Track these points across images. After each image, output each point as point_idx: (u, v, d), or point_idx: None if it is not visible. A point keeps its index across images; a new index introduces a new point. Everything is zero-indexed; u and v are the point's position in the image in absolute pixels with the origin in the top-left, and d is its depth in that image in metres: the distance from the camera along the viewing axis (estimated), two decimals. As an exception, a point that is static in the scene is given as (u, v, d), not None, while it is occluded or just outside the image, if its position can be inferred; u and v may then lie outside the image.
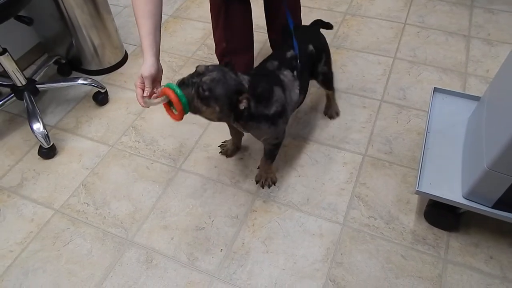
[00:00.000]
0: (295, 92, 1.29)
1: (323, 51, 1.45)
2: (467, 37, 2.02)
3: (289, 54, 1.31)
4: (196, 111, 1.07)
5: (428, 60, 1.90)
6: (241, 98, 1.08)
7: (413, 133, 1.58)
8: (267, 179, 1.43)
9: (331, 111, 1.66)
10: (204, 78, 1.03)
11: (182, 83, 1.04)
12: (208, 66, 1.08)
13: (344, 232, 1.31)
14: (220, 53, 1.53)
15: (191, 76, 1.06)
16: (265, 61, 1.33)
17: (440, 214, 1.25)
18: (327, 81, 1.54)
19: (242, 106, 1.08)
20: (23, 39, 1.97)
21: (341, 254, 1.26)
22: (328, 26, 1.57)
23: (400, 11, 2.21)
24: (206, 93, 1.03)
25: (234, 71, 1.12)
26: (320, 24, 1.55)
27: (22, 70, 1.66)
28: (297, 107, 1.40)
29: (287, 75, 1.27)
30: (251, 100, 1.10)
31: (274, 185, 1.44)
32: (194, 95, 1.03)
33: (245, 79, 1.13)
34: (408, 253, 1.25)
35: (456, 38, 2.01)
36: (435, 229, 1.30)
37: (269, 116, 1.20)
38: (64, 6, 1.73)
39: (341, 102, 1.72)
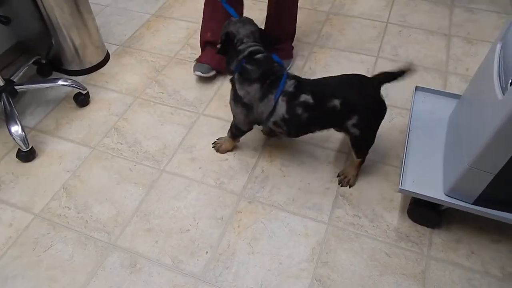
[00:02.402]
0: (269, 104, 1.26)
1: (354, 111, 1.21)
2: (447, 35, 2.05)
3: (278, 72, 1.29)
4: None
5: (410, 59, 1.93)
6: (221, 35, 1.30)
7: (395, 132, 1.60)
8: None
9: (345, 179, 1.43)
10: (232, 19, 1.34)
11: None
12: (246, 17, 1.35)
13: (329, 231, 1.31)
14: (203, 42, 1.74)
15: None
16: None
17: (423, 212, 1.27)
18: (355, 146, 1.32)
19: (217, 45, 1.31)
20: (0, 38, 1.92)
21: (327, 253, 1.26)
22: (396, 75, 1.28)
23: (382, 10, 2.24)
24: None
25: (254, 31, 1.31)
26: (382, 79, 1.26)
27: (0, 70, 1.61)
28: (283, 135, 1.39)
29: (268, 88, 1.26)
30: (223, 46, 1.29)
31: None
32: None
33: (248, 43, 1.29)
34: (392, 251, 1.26)
35: (437, 37, 2.05)
36: (418, 226, 1.31)
37: (234, 87, 1.32)
38: (44, 6, 1.69)
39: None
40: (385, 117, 1.62)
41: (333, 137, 1.59)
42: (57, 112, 1.76)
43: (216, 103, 1.75)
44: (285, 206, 1.39)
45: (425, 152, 1.29)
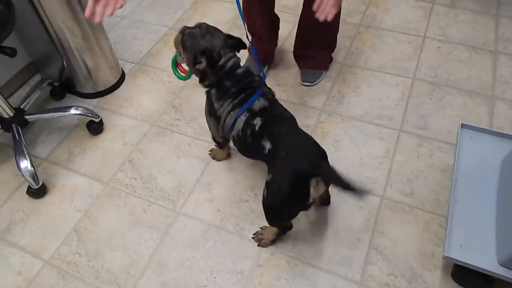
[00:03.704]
0: (232, 118, 1.18)
1: (272, 170, 1.10)
2: (493, 52, 1.84)
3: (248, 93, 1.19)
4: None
5: (451, 81, 1.73)
6: (200, 58, 1.17)
7: (436, 171, 1.43)
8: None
9: (260, 236, 1.30)
10: (189, 30, 1.21)
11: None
12: (203, 23, 1.22)
13: (360, 292, 1.18)
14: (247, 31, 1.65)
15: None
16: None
17: (470, 277, 1.11)
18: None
19: (199, 66, 1.18)
20: (10, 60, 1.84)
21: (358, 320, 1.13)
22: (342, 185, 0.98)
23: (419, 22, 2.03)
24: (185, 42, 1.20)
25: (221, 38, 1.20)
26: (321, 173, 1.01)
27: (11, 94, 1.53)
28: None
29: (238, 103, 1.18)
30: (208, 69, 1.17)
31: None
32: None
33: (227, 55, 1.18)
34: (434, 320, 1.12)
35: (481, 54, 1.84)
36: (463, 290, 1.16)
37: (211, 100, 1.23)
38: (54, 29, 1.58)
39: (355, 131, 1.57)
40: (424, 152, 1.49)
41: (363, 175, 1.44)
42: (70, 140, 1.67)
43: (236, 132, 1.62)
44: (311, 259, 1.25)
45: (474, 208, 1.13)
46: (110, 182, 1.51)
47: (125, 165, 1.56)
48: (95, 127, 1.66)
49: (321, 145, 1.10)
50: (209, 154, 1.55)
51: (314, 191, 1.02)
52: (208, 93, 1.25)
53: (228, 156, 1.53)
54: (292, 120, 1.19)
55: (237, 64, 1.21)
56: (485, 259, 1.03)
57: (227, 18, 2.17)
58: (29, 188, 1.46)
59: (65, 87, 1.85)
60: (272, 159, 1.09)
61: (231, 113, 1.18)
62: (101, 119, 1.66)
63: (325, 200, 1.35)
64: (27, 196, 1.48)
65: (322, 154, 1.08)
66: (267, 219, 1.19)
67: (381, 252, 1.26)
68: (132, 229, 1.37)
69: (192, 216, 1.39)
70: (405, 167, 1.45)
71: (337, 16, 1.59)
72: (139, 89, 1.84)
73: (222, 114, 1.21)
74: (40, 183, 1.45)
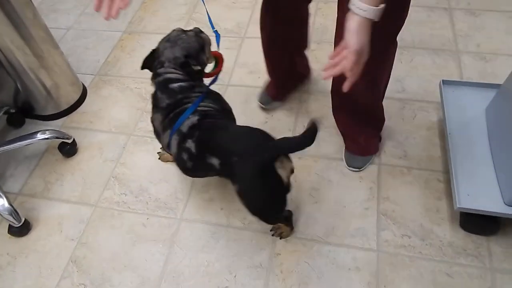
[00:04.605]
0: (166, 139, 1.13)
1: (234, 180, 1.04)
2: (448, 9, 1.91)
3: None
4: None
5: (416, 42, 1.79)
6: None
7: (422, 129, 1.47)
8: None
9: (278, 230, 1.26)
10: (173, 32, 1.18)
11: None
12: (196, 28, 1.20)
13: (381, 259, 1.20)
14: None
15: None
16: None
17: (478, 222, 1.16)
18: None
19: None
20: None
21: (385, 286, 1.14)
22: (302, 144, 0.98)
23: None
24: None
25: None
26: (281, 149, 1.00)
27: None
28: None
29: (169, 122, 1.12)
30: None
31: None
32: None
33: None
34: (453, 270, 1.15)
35: (438, 12, 1.91)
36: (473, 236, 1.21)
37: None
38: (1, 51, 1.44)
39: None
40: (408, 114, 1.53)
41: (357, 147, 1.45)
42: (42, 168, 1.54)
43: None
44: (326, 238, 1.25)
45: (471, 157, 1.18)
46: (99, 203, 1.41)
47: (110, 183, 1.46)
48: (68, 149, 1.54)
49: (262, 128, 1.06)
50: (158, 153, 1.49)
51: (283, 171, 0.99)
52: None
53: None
54: (227, 120, 1.15)
55: (176, 79, 1.11)
56: (492, 203, 1.08)
57: (181, 13, 2.09)
58: (10, 227, 1.34)
59: (23, 112, 1.70)
60: (228, 170, 1.03)
61: (165, 133, 1.12)
62: (73, 139, 1.54)
63: None
64: (9, 236, 1.35)
65: (266, 135, 1.04)
66: (265, 222, 1.17)
67: (390, 216, 1.28)
68: (136, 247, 1.29)
69: (195, 220, 1.33)
70: (393, 132, 1.48)
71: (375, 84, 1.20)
72: (106, 101, 1.73)
73: (157, 127, 1.17)
74: (23, 220, 1.33)
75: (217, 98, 1.19)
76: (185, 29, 1.19)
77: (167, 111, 1.11)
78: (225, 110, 1.20)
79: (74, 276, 1.25)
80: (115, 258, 1.28)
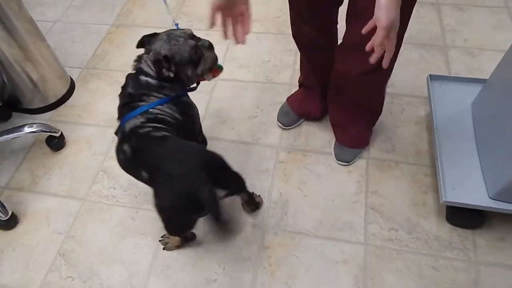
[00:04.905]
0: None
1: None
2: (435, 4, 1.93)
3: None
4: None
5: (404, 37, 1.79)
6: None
7: (410, 124, 1.49)
8: None
9: (166, 239, 1.26)
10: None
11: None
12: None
13: (368, 252, 1.21)
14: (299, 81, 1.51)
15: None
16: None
17: (464, 215, 1.18)
18: None
19: None
20: None
21: (372, 279, 1.16)
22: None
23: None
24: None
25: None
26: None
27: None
28: None
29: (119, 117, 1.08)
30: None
31: None
32: None
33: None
34: (439, 263, 1.17)
35: (425, 7, 1.92)
36: (459, 229, 1.23)
37: None
38: (-14, 43, 1.42)
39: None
40: (396, 109, 1.54)
41: (346, 141, 1.46)
42: (29, 162, 1.52)
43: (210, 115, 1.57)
44: (315, 231, 1.26)
45: (457, 151, 1.20)
46: (87, 197, 1.40)
47: (99, 176, 1.45)
48: (56, 143, 1.52)
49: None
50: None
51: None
52: None
53: None
54: (178, 131, 1.04)
55: (144, 72, 1.06)
56: (478, 197, 1.10)
57: (170, 7, 2.06)
58: (-4, 221, 1.32)
59: (9, 105, 1.67)
60: (153, 186, 1.00)
61: (118, 120, 1.09)
62: (61, 133, 1.53)
63: (253, 206, 1.29)
64: (-5, 230, 1.34)
65: (199, 161, 0.96)
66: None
67: (378, 210, 1.29)
68: (125, 241, 1.29)
69: (184, 214, 1.33)
70: (382, 126, 1.49)
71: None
72: (94, 95, 1.71)
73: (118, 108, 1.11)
74: (10, 213, 1.32)
75: (184, 108, 1.10)
76: (195, 35, 1.11)
77: (125, 100, 1.07)
78: (184, 122, 1.08)
79: (62, 269, 1.25)
80: (104, 251, 1.27)
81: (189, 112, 1.13)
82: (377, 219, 1.28)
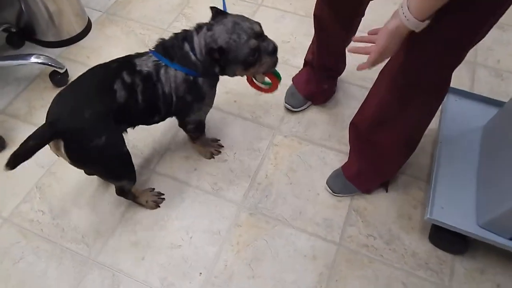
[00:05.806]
0: None
1: None
2: (477, 19, 1.81)
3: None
4: None
5: (435, 46, 1.70)
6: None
7: (417, 135, 1.41)
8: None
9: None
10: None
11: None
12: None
13: (339, 253, 1.17)
14: (305, 59, 1.45)
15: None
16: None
17: (447, 238, 1.12)
18: None
19: None
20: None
21: (336, 280, 1.12)
22: None
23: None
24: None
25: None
26: None
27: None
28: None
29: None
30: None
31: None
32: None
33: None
34: (410, 280, 1.12)
35: (466, 20, 1.81)
36: (439, 251, 1.17)
37: None
38: (8, -36, 1.40)
39: (341, 94, 1.52)
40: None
41: (345, 138, 1.40)
42: (29, 92, 1.52)
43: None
44: (291, 220, 1.22)
45: (456, 171, 1.12)
46: (77, 138, 1.39)
47: (93, 120, 1.44)
48: (59, 79, 1.51)
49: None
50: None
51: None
52: None
53: None
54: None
55: (192, 42, 1.02)
56: (465, 221, 1.03)
57: (173, 5, 1.85)
58: (-16, 140, 1.33)
59: (24, 33, 1.67)
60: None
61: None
62: (66, 70, 1.52)
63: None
64: (-18, 150, 1.35)
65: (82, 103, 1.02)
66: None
67: (361, 214, 1.24)
68: (102, 188, 1.28)
69: (166, 174, 1.31)
70: (387, 131, 1.42)
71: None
72: (108, 40, 1.69)
73: None
74: (-2, 136, 1.32)
75: (192, 91, 1.06)
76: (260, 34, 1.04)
77: (159, 45, 1.06)
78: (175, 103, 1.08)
79: (35, 201, 1.25)
80: (79, 194, 1.27)
81: (191, 98, 1.08)
82: (358, 222, 1.22)
